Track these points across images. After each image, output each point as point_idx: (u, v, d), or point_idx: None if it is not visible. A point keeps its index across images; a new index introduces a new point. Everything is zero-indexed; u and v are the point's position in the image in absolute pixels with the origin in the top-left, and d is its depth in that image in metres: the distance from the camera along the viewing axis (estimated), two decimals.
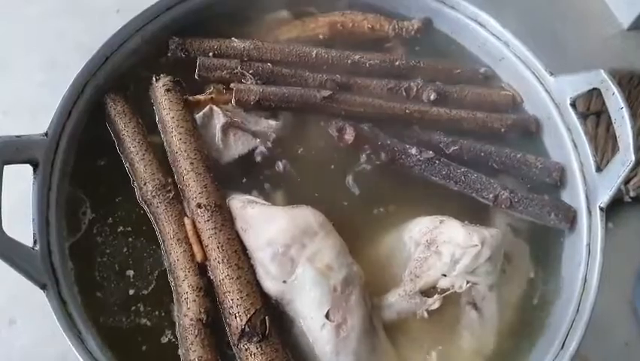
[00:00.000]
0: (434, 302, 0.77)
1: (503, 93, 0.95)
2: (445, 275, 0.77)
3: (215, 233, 0.77)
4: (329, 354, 0.73)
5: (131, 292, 0.77)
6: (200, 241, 0.78)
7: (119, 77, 0.88)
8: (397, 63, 0.95)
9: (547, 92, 0.91)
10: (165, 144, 0.85)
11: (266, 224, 0.78)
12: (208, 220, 0.78)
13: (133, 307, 0.76)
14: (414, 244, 0.81)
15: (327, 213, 0.80)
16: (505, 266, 0.81)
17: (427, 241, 0.80)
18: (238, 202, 0.81)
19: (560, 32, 1.10)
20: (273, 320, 0.74)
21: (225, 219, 0.79)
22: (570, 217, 0.84)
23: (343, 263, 0.76)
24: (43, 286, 0.71)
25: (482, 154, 0.89)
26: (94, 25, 1.10)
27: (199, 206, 0.79)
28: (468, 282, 0.77)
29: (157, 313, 0.76)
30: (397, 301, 0.78)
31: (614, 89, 0.80)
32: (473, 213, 0.85)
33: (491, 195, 0.85)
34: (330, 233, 0.78)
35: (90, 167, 0.84)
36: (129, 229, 0.80)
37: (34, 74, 1.12)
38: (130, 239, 0.79)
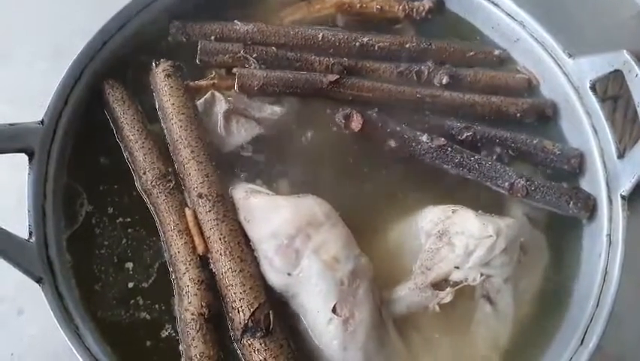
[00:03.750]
0: (446, 296, 0.73)
1: (519, 76, 0.91)
2: (457, 267, 0.73)
3: (217, 224, 0.74)
4: (336, 350, 0.70)
5: (131, 285, 0.74)
6: (201, 233, 0.75)
7: (117, 63, 0.85)
8: (408, 45, 0.91)
9: (565, 75, 0.87)
10: (165, 131, 0.82)
11: (269, 215, 0.75)
12: (210, 211, 0.75)
13: (132, 301, 0.73)
14: (425, 234, 0.78)
15: (333, 202, 0.77)
16: (520, 257, 0.77)
17: (438, 231, 0.76)
18: (241, 192, 0.78)
19: (574, 13, 1.05)
20: (277, 314, 0.71)
21: (228, 210, 0.76)
22: (589, 206, 0.80)
23: (350, 255, 0.73)
24: (39, 280, 0.69)
25: (497, 140, 0.85)
26: (98, 11, 1.07)
27: (200, 196, 0.76)
28: (482, 274, 0.73)
29: (157, 307, 0.73)
30: (407, 294, 0.75)
31: (638, 70, 0.76)
32: (487, 202, 0.81)
33: (506, 184, 0.81)
34: (336, 223, 0.75)
35: (88, 156, 0.81)
36: (128, 220, 0.78)
37: (37, 62, 1.09)
38: (129, 230, 0.77)
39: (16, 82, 1.08)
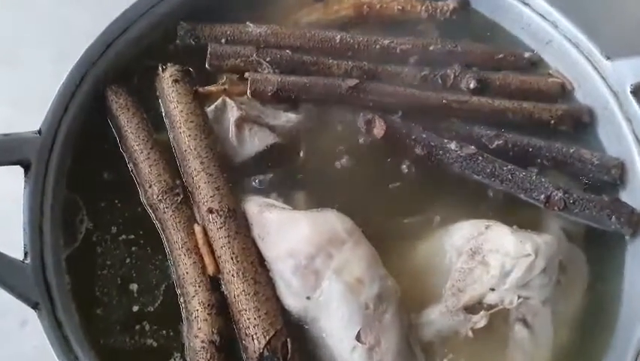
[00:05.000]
0: (480, 320, 0.67)
1: (551, 81, 0.85)
2: (493, 289, 0.67)
3: (229, 242, 0.68)
4: None
5: (135, 308, 0.69)
6: (212, 252, 0.69)
7: (121, 67, 0.81)
8: (431, 48, 0.86)
9: (603, 79, 0.81)
10: (172, 141, 0.77)
11: (287, 231, 0.69)
12: (221, 227, 0.69)
13: (137, 327, 0.68)
14: (455, 252, 0.72)
15: (355, 218, 0.71)
16: (560, 278, 0.71)
17: (470, 249, 0.70)
18: (254, 206, 0.72)
19: (612, 13, 0.98)
20: (296, 341, 0.66)
21: (240, 226, 0.70)
22: (633, 221, 0.74)
23: (375, 276, 0.67)
24: (34, 306, 0.63)
25: (530, 149, 0.79)
26: (105, 15, 1.03)
27: (210, 211, 0.70)
28: (519, 297, 0.67)
29: (164, 333, 0.68)
30: (438, 318, 0.69)
31: None
32: (521, 217, 0.75)
33: (542, 196, 0.75)
34: (359, 241, 0.69)
35: (89, 168, 0.76)
36: (132, 237, 0.72)
37: (43, 66, 1.05)
38: (133, 249, 0.72)
39: (21, 86, 1.04)
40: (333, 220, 0.69)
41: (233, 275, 0.67)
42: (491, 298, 0.67)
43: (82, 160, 0.75)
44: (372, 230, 0.72)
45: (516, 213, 0.75)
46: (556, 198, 0.74)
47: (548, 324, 0.69)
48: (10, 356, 0.79)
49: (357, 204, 0.74)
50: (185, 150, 0.74)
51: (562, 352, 0.70)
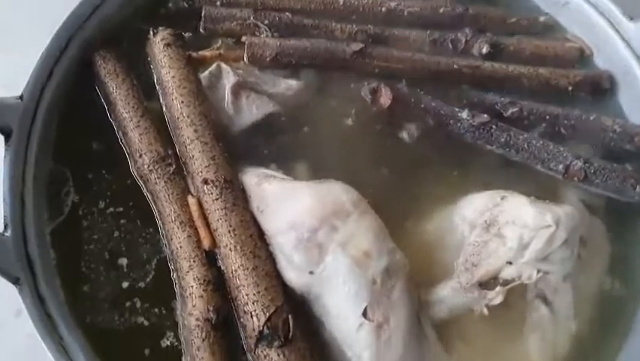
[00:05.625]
0: (496, 296, 0.63)
1: (569, 45, 0.81)
2: (510, 263, 0.62)
3: (226, 214, 0.64)
4: None
5: (125, 285, 0.64)
6: (207, 225, 0.65)
7: (110, 31, 0.76)
8: (441, 11, 0.81)
9: (624, 42, 0.77)
10: (165, 108, 0.72)
11: (287, 203, 0.64)
12: (217, 199, 0.64)
13: (127, 304, 0.64)
14: (468, 226, 0.67)
15: (361, 190, 0.66)
16: (581, 252, 0.66)
17: (485, 221, 0.66)
18: (253, 177, 0.67)
19: None
20: (298, 319, 0.61)
21: (237, 198, 0.65)
22: None
23: (383, 249, 0.62)
24: (15, 281, 0.59)
25: (547, 117, 0.74)
26: None
27: (205, 182, 0.65)
28: (539, 271, 0.62)
29: (156, 310, 0.63)
30: (450, 295, 0.64)
31: None
32: (538, 189, 0.70)
33: (561, 166, 0.70)
34: (365, 213, 0.64)
35: (75, 137, 0.71)
36: (121, 210, 0.68)
37: (33, 45, 1.00)
38: (122, 222, 0.67)
39: (14, 65, 0.98)
40: (337, 191, 0.64)
41: (230, 249, 0.62)
42: (508, 273, 0.63)
43: (68, 129, 0.71)
44: (379, 204, 0.66)
45: (532, 185, 0.71)
46: (576, 167, 0.70)
47: (569, 301, 0.65)
48: (4, 345, 0.75)
49: (362, 177, 0.69)
50: (178, 118, 0.69)
51: (582, 332, 0.66)
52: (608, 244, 0.70)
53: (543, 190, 0.70)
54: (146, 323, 0.62)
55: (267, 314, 0.59)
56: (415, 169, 0.72)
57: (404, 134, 0.73)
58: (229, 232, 0.63)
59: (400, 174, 0.72)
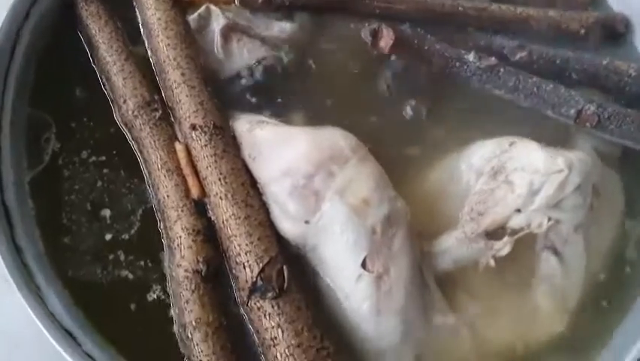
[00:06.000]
0: (504, 246, 0.59)
1: None
2: (519, 210, 0.58)
3: (216, 161, 0.60)
4: (367, 314, 0.56)
5: (108, 237, 0.61)
6: (196, 173, 0.61)
7: None
8: None
9: None
10: (150, 52, 0.68)
11: (281, 149, 0.60)
12: (205, 145, 0.61)
13: (111, 257, 0.60)
14: (474, 174, 0.63)
15: (361, 137, 0.62)
16: (593, 201, 0.62)
17: (492, 168, 0.62)
18: (244, 123, 0.63)
19: None
20: (293, 271, 0.57)
21: (228, 145, 0.62)
22: None
23: (384, 197, 0.58)
24: None
25: (557, 61, 0.70)
26: None
27: (194, 128, 0.61)
28: (550, 219, 0.58)
29: (142, 263, 0.60)
30: (454, 246, 0.60)
31: None
32: (548, 137, 0.65)
33: (572, 111, 0.66)
34: (365, 159, 0.60)
35: (56, 83, 0.67)
36: (104, 159, 0.64)
37: None
38: (106, 171, 0.64)
39: None
40: (335, 136, 0.60)
41: (221, 198, 0.59)
42: (516, 222, 0.59)
43: (48, 74, 0.67)
44: (380, 152, 0.63)
45: (542, 133, 0.66)
46: (589, 112, 0.65)
47: (580, 253, 0.61)
48: None
49: (362, 125, 0.65)
50: (164, 61, 0.65)
51: (594, 287, 0.63)
52: (622, 196, 0.66)
53: (554, 139, 0.65)
54: (131, 276, 0.59)
55: (261, 265, 0.56)
56: (418, 119, 0.68)
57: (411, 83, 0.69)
58: (219, 179, 0.59)
59: (403, 122, 0.68)
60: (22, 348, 0.63)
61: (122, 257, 0.60)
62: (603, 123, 0.65)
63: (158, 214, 0.61)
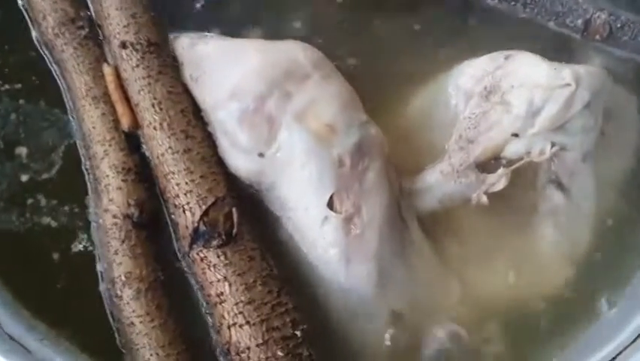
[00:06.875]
0: (498, 180, 0.49)
1: None
2: (516, 135, 0.49)
3: (149, 84, 0.51)
4: (335, 263, 0.47)
5: (25, 178, 0.53)
6: (126, 99, 0.53)
7: None
8: None
9: None
10: None
11: (228, 66, 0.50)
12: (137, 66, 0.52)
13: (29, 201, 0.52)
14: (463, 96, 0.54)
15: (332, 57, 0.53)
16: (604, 127, 0.52)
17: (485, 88, 0.52)
18: (185, 40, 0.53)
19: None
20: (247, 215, 0.48)
21: (165, 66, 0.53)
22: None
23: (353, 121, 0.49)
24: None
25: None
26: None
27: (124, 45, 0.52)
28: (553, 144, 0.48)
29: (65, 209, 0.52)
30: (440, 181, 0.51)
31: None
32: (550, 54, 0.55)
33: (579, 21, 0.57)
34: (330, 76, 0.50)
35: None
36: (19, 86, 0.56)
37: None
38: (21, 102, 0.55)
39: None
40: (293, 49, 0.50)
41: (155, 128, 0.49)
42: (513, 149, 0.49)
43: None
44: (354, 73, 0.54)
45: (542, 50, 0.55)
46: (599, 22, 0.56)
47: (590, 188, 0.52)
48: None
49: (333, 42, 0.56)
50: None
51: (604, 225, 0.53)
52: (638, 121, 0.57)
53: (556, 59, 0.54)
54: (53, 223, 0.52)
55: (203, 207, 0.47)
56: (399, 33, 0.59)
57: None
58: (153, 106, 0.50)
59: (381, 39, 0.58)
60: None
61: (42, 202, 0.52)
62: (615, 35, 0.56)
63: (83, 151, 0.53)
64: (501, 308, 0.50)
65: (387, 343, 0.47)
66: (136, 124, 0.51)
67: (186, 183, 0.48)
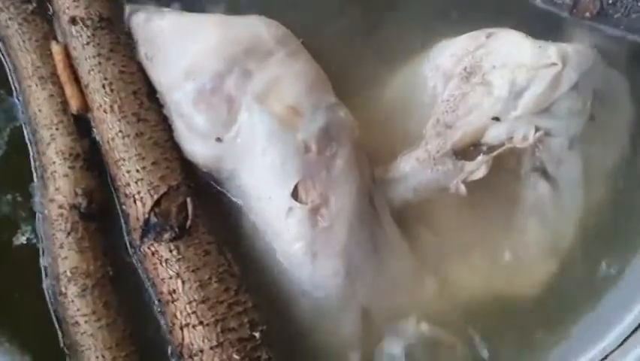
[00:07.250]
0: (477, 167, 0.46)
1: None
2: (497, 119, 0.45)
3: (100, 64, 0.48)
4: (300, 257, 0.44)
5: None
6: (76, 79, 0.49)
7: None
8: None
9: None
10: None
11: (184, 43, 0.47)
12: (88, 44, 0.48)
13: None
14: (441, 77, 0.50)
15: (300, 35, 0.49)
16: (594, 111, 0.48)
17: (464, 69, 0.48)
18: (141, 15, 0.49)
19: None
20: (203, 204, 0.45)
21: (117, 44, 0.49)
22: None
23: (320, 104, 0.45)
24: None
25: None
26: None
27: (73, 21, 0.49)
28: (537, 129, 0.45)
29: (8, 198, 0.49)
30: (415, 169, 0.48)
31: None
32: (536, 34, 0.51)
33: None
34: (296, 54, 0.47)
35: None
36: None
37: None
38: None
39: None
40: (256, 25, 0.46)
41: (105, 110, 0.46)
42: (494, 134, 0.46)
43: None
44: (323, 53, 0.50)
45: (530, 29, 0.52)
46: None
47: (577, 177, 0.49)
48: None
49: (302, 20, 0.51)
50: None
51: (592, 218, 0.50)
52: (630, 106, 0.53)
53: (543, 37, 0.51)
54: None
55: (155, 197, 0.43)
56: (373, 11, 0.54)
57: None
58: (104, 87, 0.46)
59: (356, 19, 0.54)
60: None
61: None
62: (606, 11, 0.52)
63: (29, 136, 0.49)
64: (479, 305, 0.47)
65: (355, 343, 0.44)
66: (86, 107, 0.47)
67: (137, 170, 0.44)
